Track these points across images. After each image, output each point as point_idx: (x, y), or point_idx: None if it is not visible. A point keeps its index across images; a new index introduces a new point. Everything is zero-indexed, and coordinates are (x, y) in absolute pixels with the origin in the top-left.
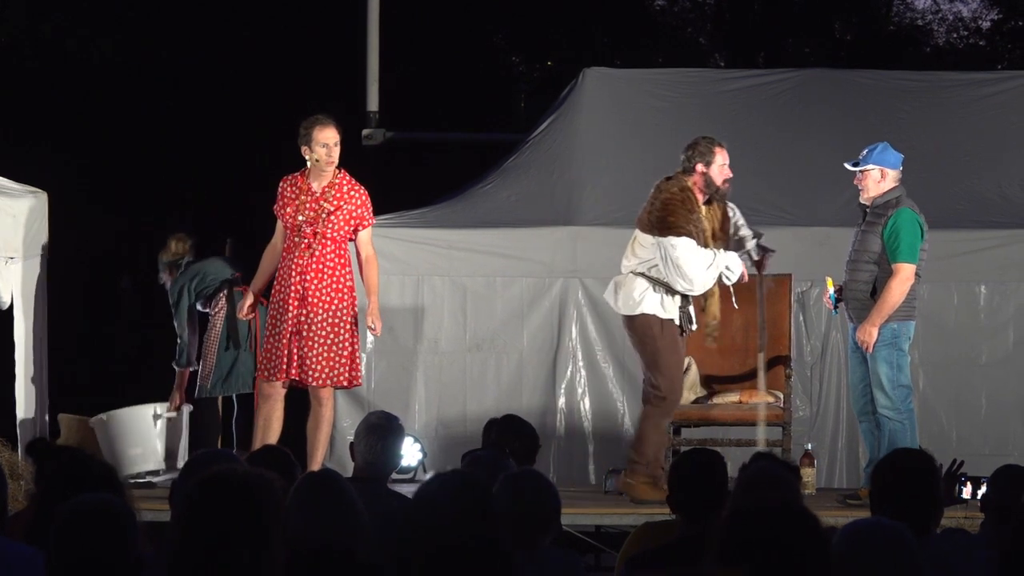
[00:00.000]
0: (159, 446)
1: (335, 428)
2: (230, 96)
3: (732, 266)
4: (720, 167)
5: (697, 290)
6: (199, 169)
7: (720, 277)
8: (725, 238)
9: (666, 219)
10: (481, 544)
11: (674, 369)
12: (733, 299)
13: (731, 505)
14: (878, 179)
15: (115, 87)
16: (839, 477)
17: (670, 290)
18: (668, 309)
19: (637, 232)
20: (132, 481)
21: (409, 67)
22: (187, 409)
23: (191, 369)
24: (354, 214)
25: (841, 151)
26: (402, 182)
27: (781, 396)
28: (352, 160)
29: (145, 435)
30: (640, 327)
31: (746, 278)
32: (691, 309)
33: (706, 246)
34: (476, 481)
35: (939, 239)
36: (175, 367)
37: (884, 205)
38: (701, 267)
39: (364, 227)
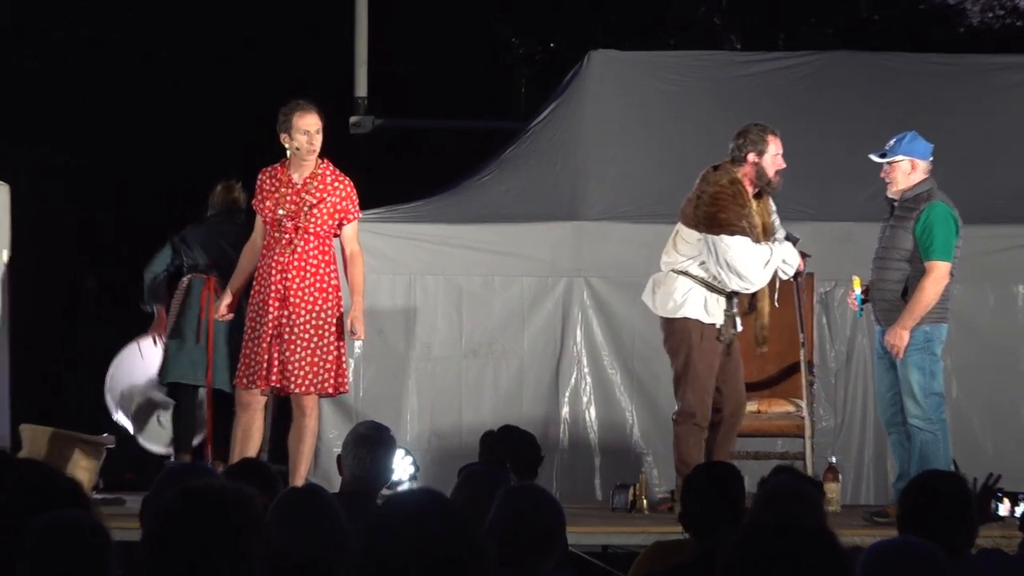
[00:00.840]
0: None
1: (320, 440)
2: (202, 81)
3: (789, 259)
4: (773, 157)
5: (755, 287)
6: (171, 161)
7: (776, 272)
8: (773, 233)
9: (716, 215)
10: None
11: (704, 381)
12: (776, 297)
13: (747, 521)
14: (907, 171)
15: (83, 71)
16: (866, 493)
17: (714, 290)
18: (712, 312)
19: (680, 226)
20: (100, 497)
21: (400, 50)
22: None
23: (159, 306)
24: (338, 207)
25: (866, 140)
26: (392, 173)
27: (803, 405)
28: (338, 150)
29: (139, 371)
30: (679, 332)
31: (803, 267)
32: (736, 312)
33: (757, 242)
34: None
35: (974, 235)
36: (144, 308)
37: (915, 199)
38: (759, 265)
39: (349, 221)
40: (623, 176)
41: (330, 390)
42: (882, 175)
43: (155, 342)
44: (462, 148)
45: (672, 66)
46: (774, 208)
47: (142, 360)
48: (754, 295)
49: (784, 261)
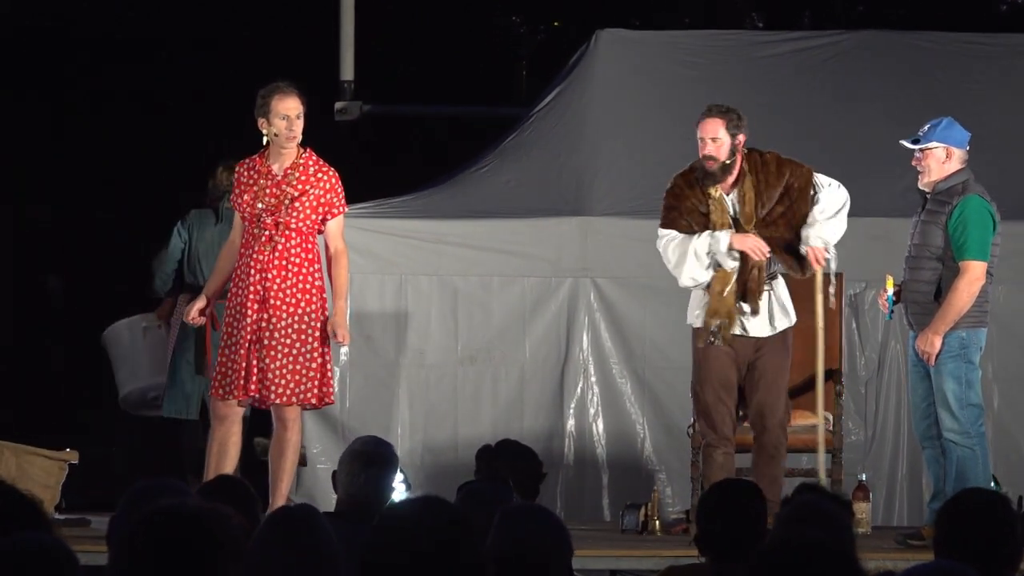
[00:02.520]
0: (146, 361)
1: (304, 455)
2: (179, 64)
3: (715, 247)
4: (698, 143)
5: (684, 283)
6: (143, 149)
7: (717, 263)
8: (753, 220)
9: (661, 212)
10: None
11: (704, 393)
12: (826, 298)
13: (767, 542)
14: (942, 159)
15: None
16: (899, 513)
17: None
18: (697, 314)
19: None
20: (63, 517)
21: (390, 29)
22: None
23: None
24: (322, 200)
25: (899, 127)
26: (382, 164)
27: (831, 418)
28: (322, 138)
29: (130, 352)
30: (692, 341)
31: (763, 255)
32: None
33: (695, 231)
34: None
35: (1017, 232)
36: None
37: (948, 191)
38: (673, 257)
39: (334, 216)
40: (633, 167)
41: (313, 401)
42: (913, 163)
43: (160, 327)
44: (457, 137)
45: (687, 46)
46: (828, 194)
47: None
48: (716, 289)
49: (709, 253)
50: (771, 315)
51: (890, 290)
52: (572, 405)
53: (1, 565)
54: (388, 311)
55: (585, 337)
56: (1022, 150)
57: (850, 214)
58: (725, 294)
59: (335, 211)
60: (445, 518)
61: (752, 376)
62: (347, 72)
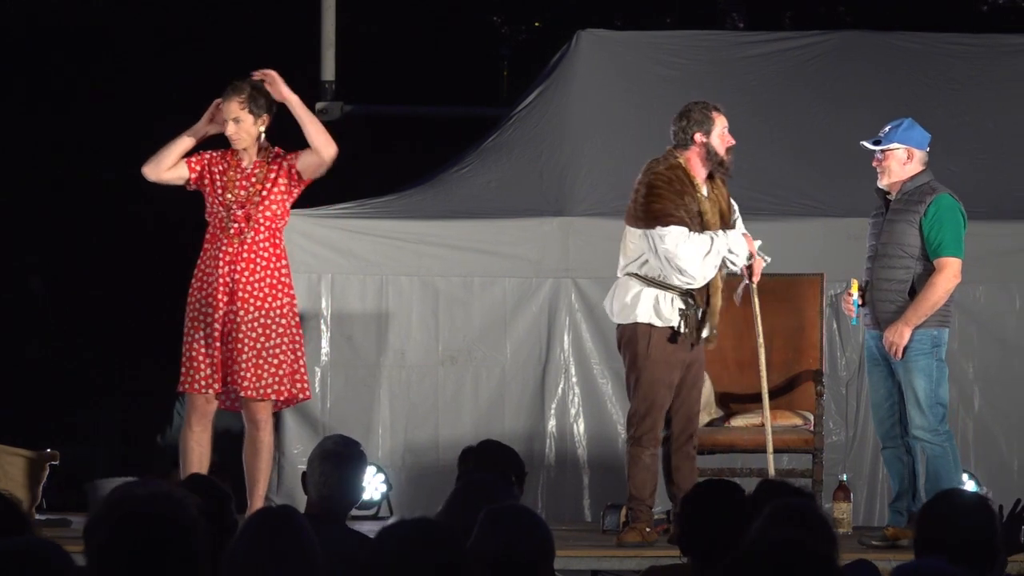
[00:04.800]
0: None
1: (283, 455)
2: (157, 63)
3: (736, 248)
4: (721, 134)
5: (698, 282)
6: (118, 148)
7: (725, 264)
8: (730, 219)
9: (651, 206)
10: None
11: (652, 394)
12: (737, 294)
13: (743, 541)
14: (903, 160)
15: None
16: (880, 513)
17: (666, 289)
18: (664, 314)
19: (626, 226)
20: (43, 518)
21: (371, 29)
22: None
23: None
24: (285, 177)
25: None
26: (362, 165)
27: (811, 418)
28: (303, 139)
29: None
30: (628, 339)
31: (758, 270)
32: (700, 311)
33: (705, 230)
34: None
35: (999, 232)
36: None
37: (918, 191)
38: (697, 257)
39: (298, 153)
40: (614, 168)
41: (284, 396)
42: (874, 164)
43: None
44: (438, 137)
45: (669, 46)
46: (736, 210)
47: None
48: (708, 291)
49: (731, 251)
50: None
51: (855, 294)
52: (553, 405)
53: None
54: (369, 311)
55: (566, 337)
56: (1003, 150)
57: (832, 214)
58: (719, 299)
59: (297, 157)
60: (444, 542)
61: (687, 383)
62: (328, 72)
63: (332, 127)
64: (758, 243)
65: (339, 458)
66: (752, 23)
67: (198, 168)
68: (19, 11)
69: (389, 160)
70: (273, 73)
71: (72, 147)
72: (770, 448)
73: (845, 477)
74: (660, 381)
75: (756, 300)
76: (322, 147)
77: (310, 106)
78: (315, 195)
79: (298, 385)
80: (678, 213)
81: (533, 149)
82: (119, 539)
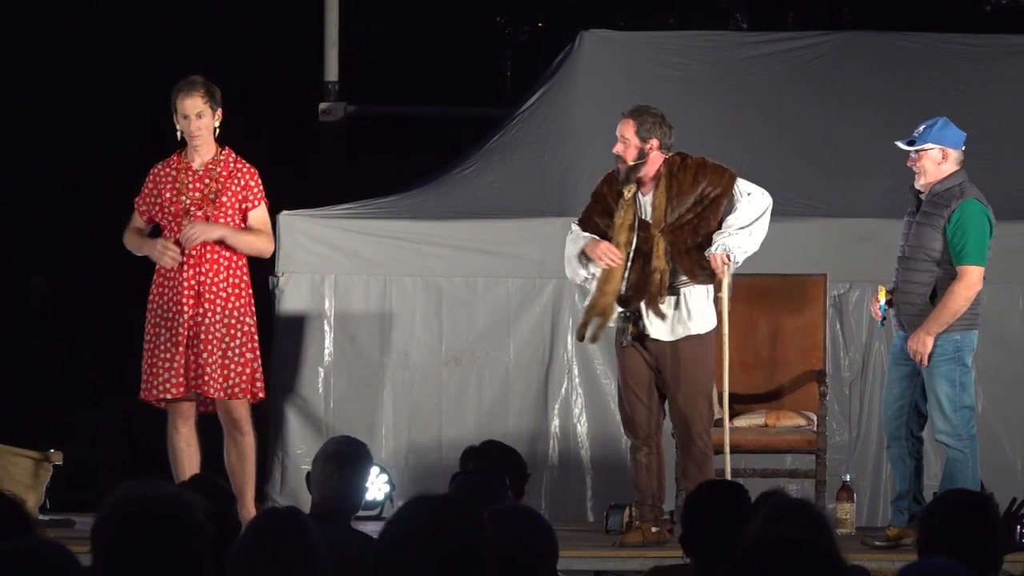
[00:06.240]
0: None
1: (286, 455)
2: (161, 64)
3: (592, 253)
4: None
5: (571, 280)
6: (120, 147)
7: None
8: (661, 225)
9: None
10: None
11: (624, 394)
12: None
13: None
14: (938, 160)
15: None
16: (883, 513)
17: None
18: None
19: None
20: (47, 518)
21: (374, 30)
22: None
23: None
24: (239, 196)
25: (885, 129)
26: (366, 165)
27: (814, 418)
28: (307, 139)
29: None
30: None
31: (615, 262)
32: (630, 312)
33: (620, 233)
34: (455, 510)
35: (1003, 232)
36: None
37: (946, 194)
38: (566, 255)
39: (254, 207)
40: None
41: (248, 395)
42: (909, 164)
43: None
44: (442, 137)
45: (672, 47)
46: (744, 204)
47: None
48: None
49: (583, 254)
50: (674, 321)
51: (882, 300)
52: (556, 406)
53: (3, 568)
54: (372, 312)
55: (569, 338)
56: (1008, 150)
57: (834, 215)
58: (606, 293)
59: (253, 203)
60: (460, 520)
61: (667, 383)
62: (331, 73)
63: (335, 127)
64: (725, 243)
65: (343, 458)
66: (755, 23)
67: (145, 209)
68: (19, 11)
69: (392, 160)
70: (195, 231)
71: (73, 147)
72: (727, 449)
73: (848, 477)
74: (623, 381)
75: (726, 297)
76: (263, 255)
77: (313, 107)
78: (318, 196)
79: (258, 384)
80: (584, 214)
81: (536, 149)
82: (124, 539)
